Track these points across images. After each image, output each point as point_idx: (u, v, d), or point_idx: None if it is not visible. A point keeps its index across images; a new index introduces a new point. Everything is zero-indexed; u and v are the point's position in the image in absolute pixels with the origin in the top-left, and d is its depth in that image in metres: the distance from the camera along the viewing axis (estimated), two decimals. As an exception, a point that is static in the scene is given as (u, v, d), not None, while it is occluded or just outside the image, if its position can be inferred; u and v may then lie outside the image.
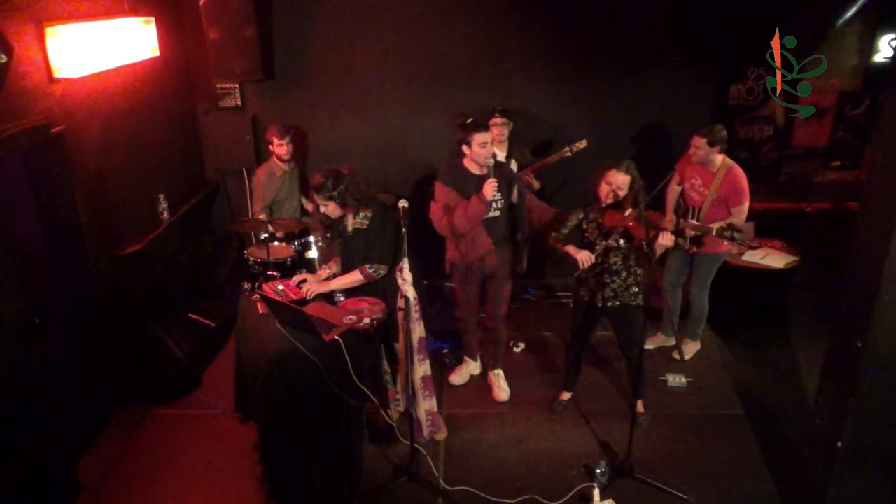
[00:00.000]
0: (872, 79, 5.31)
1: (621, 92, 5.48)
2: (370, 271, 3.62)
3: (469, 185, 3.83)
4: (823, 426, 3.14)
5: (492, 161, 3.79)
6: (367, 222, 3.63)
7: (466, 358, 4.50)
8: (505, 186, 3.92)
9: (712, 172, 4.27)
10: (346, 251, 3.76)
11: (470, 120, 3.88)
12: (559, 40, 5.37)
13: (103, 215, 4.14)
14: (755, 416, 4.15)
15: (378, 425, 3.96)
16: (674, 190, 4.57)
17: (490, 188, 3.71)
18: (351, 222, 3.69)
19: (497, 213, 3.93)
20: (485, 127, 3.83)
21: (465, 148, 3.82)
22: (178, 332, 4.54)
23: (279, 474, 3.38)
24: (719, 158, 4.26)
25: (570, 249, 3.66)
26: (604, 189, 3.57)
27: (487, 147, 3.76)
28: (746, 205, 4.23)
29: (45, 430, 3.30)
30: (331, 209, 3.59)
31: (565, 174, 5.28)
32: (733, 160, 4.32)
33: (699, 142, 4.19)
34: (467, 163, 3.87)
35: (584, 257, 3.60)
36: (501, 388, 4.39)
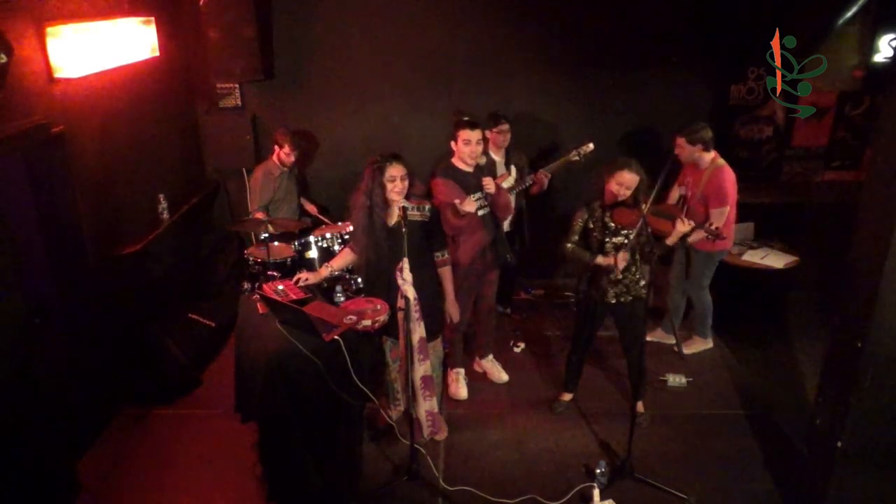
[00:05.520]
0: (872, 79, 5.31)
1: (622, 92, 5.49)
2: (447, 257, 3.65)
3: (463, 182, 3.88)
4: (823, 426, 3.14)
5: (483, 159, 3.89)
6: (430, 213, 3.55)
7: (457, 370, 4.41)
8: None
9: (702, 170, 4.33)
10: (396, 243, 3.40)
11: (465, 118, 3.92)
12: (559, 41, 5.37)
13: (103, 215, 4.14)
14: (755, 416, 4.15)
15: (378, 425, 3.97)
16: (674, 194, 4.60)
17: (491, 185, 3.81)
18: (395, 214, 3.46)
19: (486, 209, 3.99)
20: (472, 125, 3.84)
21: (452, 144, 3.91)
22: (178, 332, 4.54)
23: (279, 474, 3.38)
24: (707, 157, 4.31)
25: (601, 260, 3.66)
26: (614, 189, 3.59)
27: (471, 145, 3.81)
28: (726, 209, 4.24)
29: (45, 430, 3.30)
30: (403, 185, 3.43)
31: (562, 175, 5.28)
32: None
33: (679, 141, 4.30)
34: (456, 161, 3.93)
35: (620, 258, 3.60)
36: (500, 371, 4.52)
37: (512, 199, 4.93)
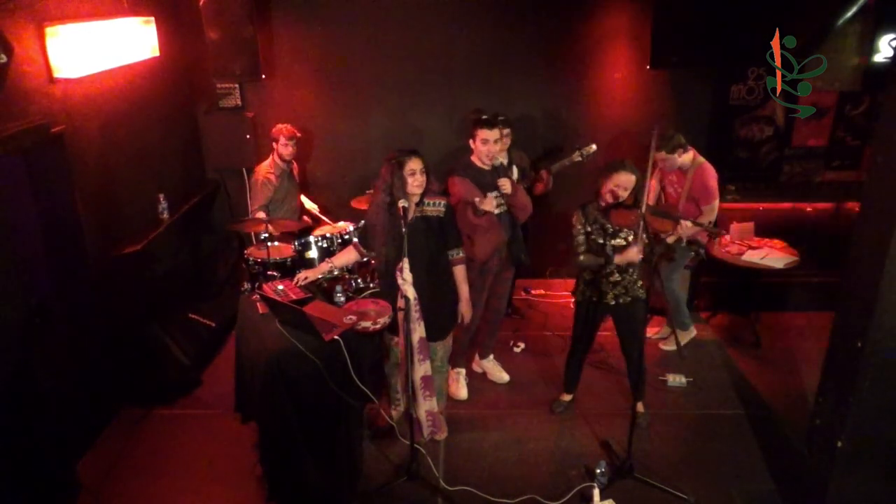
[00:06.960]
0: (872, 79, 5.31)
1: (621, 93, 5.48)
2: (461, 256, 3.62)
3: (481, 180, 3.90)
4: (823, 426, 3.14)
5: (499, 160, 3.90)
6: (444, 210, 3.52)
7: (457, 370, 4.39)
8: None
9: (685, 171, 4.41)
10: (408, 239, 3.33)
11: (483, 116, 3.94)
12: (559, 41, 5.37)
13: (103, 215, 4.14)
14: (755, 416, 4.15)
15: (378, 425, 3.97)
16: (654, 190, 4.66)
17: (507, 186, 3.83)
18: (413, 208, 3.44)
19: (504, 208, 3.99)
20: (490, 124, 3.85)
21: (471, 142, 3.93)
22: (179, 332, 4.54)
23: (279, 474, 3.38)
24: (688, 157, 4.37)
25: (619, 259, 3.61)
26: (612, 191, 3.58)
27: (489, 144, 3.83)
28: (715, 203, 4.36)
29: (44, 430, 3.30)
30: (423, 179, 3.39)
31: (563, 175, 5.28)
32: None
33: (661, 155, 4.31)
34: (474, 158, 3.96)
35: (635, 253, 3.54)
36: (500, 371, 4.54)
37: None
